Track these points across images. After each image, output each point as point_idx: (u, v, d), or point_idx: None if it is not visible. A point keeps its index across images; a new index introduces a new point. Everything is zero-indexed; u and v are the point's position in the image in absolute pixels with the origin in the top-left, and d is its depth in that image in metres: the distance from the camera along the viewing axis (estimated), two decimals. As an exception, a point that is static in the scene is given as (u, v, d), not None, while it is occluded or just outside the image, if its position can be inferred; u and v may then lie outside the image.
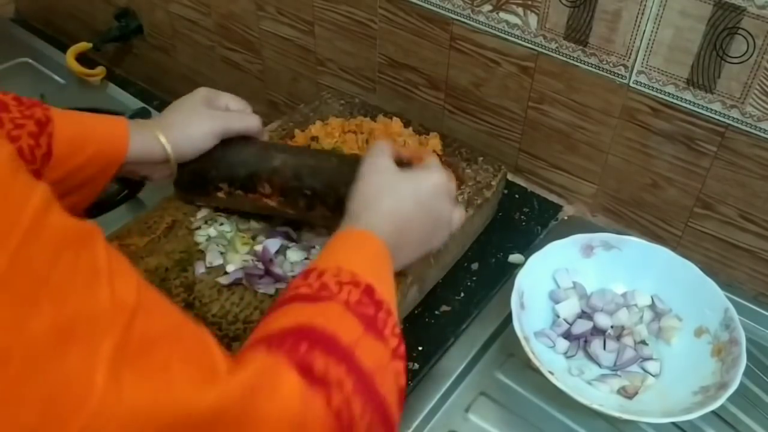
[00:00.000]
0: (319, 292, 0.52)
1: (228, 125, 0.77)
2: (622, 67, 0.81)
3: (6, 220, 0.31)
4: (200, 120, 0.76)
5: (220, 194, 0.79)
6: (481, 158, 0.91)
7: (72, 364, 0.32)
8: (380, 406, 0.49)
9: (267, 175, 0.76)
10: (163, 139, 0.73)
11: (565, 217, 0.95)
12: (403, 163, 0.67)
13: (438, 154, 0.90)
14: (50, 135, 0.67)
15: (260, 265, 0.77)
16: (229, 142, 0.78)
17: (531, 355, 0.69)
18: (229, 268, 0.77)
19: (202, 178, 0.78)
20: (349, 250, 0.58)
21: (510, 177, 0.97)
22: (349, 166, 0.68)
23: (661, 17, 0.75)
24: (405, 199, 0.62)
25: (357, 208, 0.61)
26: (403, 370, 0.53)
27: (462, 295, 0.83)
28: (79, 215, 0.67)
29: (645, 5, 0.75)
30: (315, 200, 0.75)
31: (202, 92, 0.79)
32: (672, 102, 0.79)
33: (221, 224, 0.82)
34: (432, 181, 0.64)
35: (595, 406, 0.66)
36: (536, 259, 0.78)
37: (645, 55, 0.78)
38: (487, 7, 0.87)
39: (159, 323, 0.38)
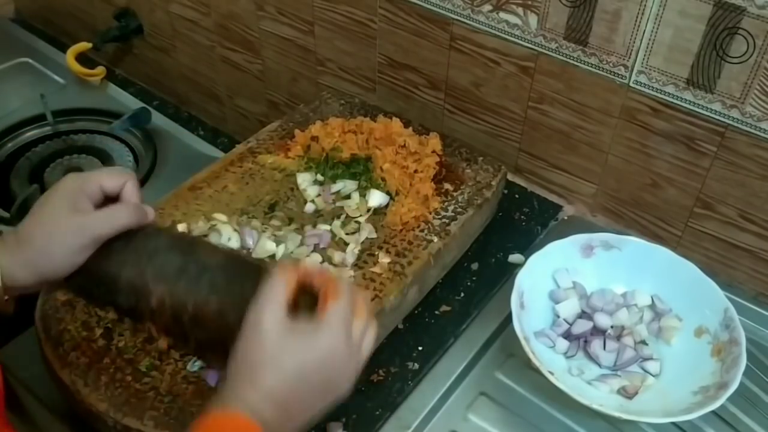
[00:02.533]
0: None
1: (97, 233, 0.61)
2: (622, 67, 0.81)
3: None
4: (63, 236, 0.60)
5: (110, 314, 0.73)
6: (481, 158, 0.91)
7: None
8: None
9: (147, 315, 0.63)
10: (19, 266, 0.60)
11: (565, 217, 0.95)
12: (304, 301, 0.57)
13: (438, 154, 0.90)
14: None
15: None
16: (108, 248, 0.62)
17: (531, 355, 0.69)
18: None
19: (88, 295, 0.68)
20: None
21: (510, 177, 0.97)
22: (238, 306, 0.57)
23: (661, 17, 0.75)
24: (288, 374, 0.53)
25: (236, 378, 0.54)
26: None
27: (462, 295, 0.83)
28: None
29: (645, 5, 0.75)
30: (201, 349, 0.66)
31: (67, 188, 0.62)
32: (672, 102, 0.79)
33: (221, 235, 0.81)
34: (322, 347, 0.54)
35: (595, 406, 0.66)
36: (536, 259, 0.78)
37: (645, 55, 0.78)
38: (487, 7, 0.87)
39: None
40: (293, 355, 0.54)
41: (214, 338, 0.60)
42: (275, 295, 0.55)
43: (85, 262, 0.61)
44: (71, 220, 0.60)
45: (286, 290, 0.55)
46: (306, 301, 0.56)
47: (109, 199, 0.63)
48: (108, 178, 0.64)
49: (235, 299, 0.58)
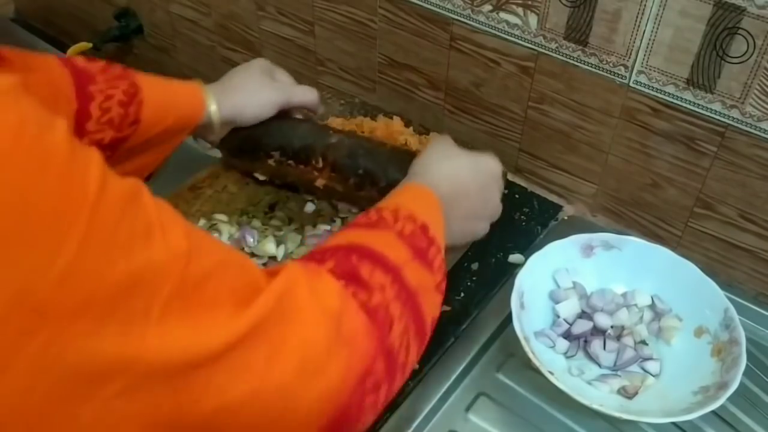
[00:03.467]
0: (377, 222, 0.57)
1: (290, 97, 0.81)
2: (622, 67, 0.81)
3: (75, 195, 0.34)
4: (264, 89, 0.80)
5: (270, 161, 0.81)
6: (481, 158, 0.90)
7: (131, 320, 0.37)
8: (419, 319, 0.53)
9: (322, 149, 0.78)
10: (226, 108, 0.76)
11: (565, 217, 0.95)
12: None
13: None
14: (140, 103, 0.70)
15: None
16: (286, 117, 0.82)
17: (531, 355, 0.69)
18: None
19: (255, 143, 0.81)
20: (408, 196, 0.63)
21: (510, 177, 0.97)
22: (402, 155, 0.74)
23: (661, 17, 0.75)
24: (462, 168, 0.67)
25: (418, 169, 0.67)
26: (440, 305, 0.58)
27: (462, 295, 0.83)
28: (145, 175, 0.75)
29: (645, 5, 0.75)
30: (366, 180, 0.78)
31: (262, 63, 0.82)
32: (672, 102, 0.79)
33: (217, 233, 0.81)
34: (489, 164, 0.69)
35: (595, 406, 0.66)
36: (536, 259, 0.78)
37: (645, 55, 0.78)
38: (487, 7, 0.88)
39: (207, 261, 0.42)
40: (468, 158, 0.68)
41: (383, 168, 0.76)
42: (447, 137, 0.72)
43: (266, 120, 0.79)
44: (271, 82, 0.80)
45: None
46: None
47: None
48: (288, 78, 0.85)
49: (402, 155, 0.76)
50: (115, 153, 0.69)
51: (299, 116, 0.86)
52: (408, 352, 0.53)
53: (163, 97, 0.72)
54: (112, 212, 0.36)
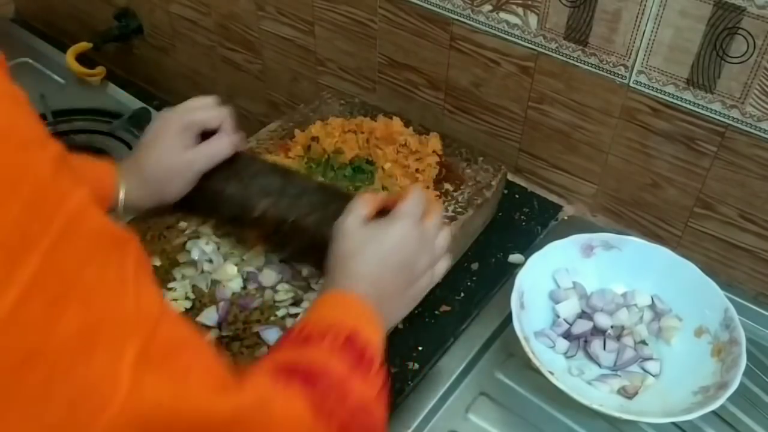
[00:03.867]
0: (305, 342, 0.53)
1: (206, 165, 0.74)
2: (622, 67, 0.81)
3: (41, 220, 0.31)
4: (179, 165, 0.73)
5: (211, 224, 0.81)
6: (481, 158, 0.91)
7: (98, 366, 0.33)
8: None
9: (249, 222, 0.74)
10: (144, 193, 0.72)
11: (565, 217, 0.95)
12: (387, 211, 0.65)
13: (438, 154, 0.90)
14: None
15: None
16: (213, 169, 0.74)
17: (531, 355, 0.69)
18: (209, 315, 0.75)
19: (191, 209, 0.78)
20: (328, 306, 0.59)
21: (510, 177, 0.97)
22: (333, 217, 0.65)
23: (661, 17, 0.75)
24: (374, 253, 0.61)
25: (333, 271, 0.62)
26: (385, 409, 0.55)
27: (462, 295, 0.83)
28: None
29: (645, 5, 0.75)
30: (298, 255, 0.76)
31: (176, 125, 0.74)
32: (672, 102, 0.79)
33: (206, 243, 0.81)
34: (396, 233, 0.62)
35: (595, 406, 0.66)
36: (536, 259, 0.78)
37: (645, 55, 0.78)
38: (487, 7, 0.87)
39: (180, 332, 0.40)
40: (372, 242, 0.62)
41: (310, 247, 0.71)
42: (358, 207, 0.64)
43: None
44: (183, 157, 0.73)
45: (367, 206, 0.65)
46: (384, 215, 0.65)
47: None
48: (210, 118, 0.75)
49: (330, 215, 0.67)
50: None
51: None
52: None
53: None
54: (80, 252, 0.33)
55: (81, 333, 0.33)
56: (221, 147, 0.75)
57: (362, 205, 0.65)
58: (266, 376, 0.48)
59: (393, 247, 0.62)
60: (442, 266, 0.67)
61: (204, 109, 0.76)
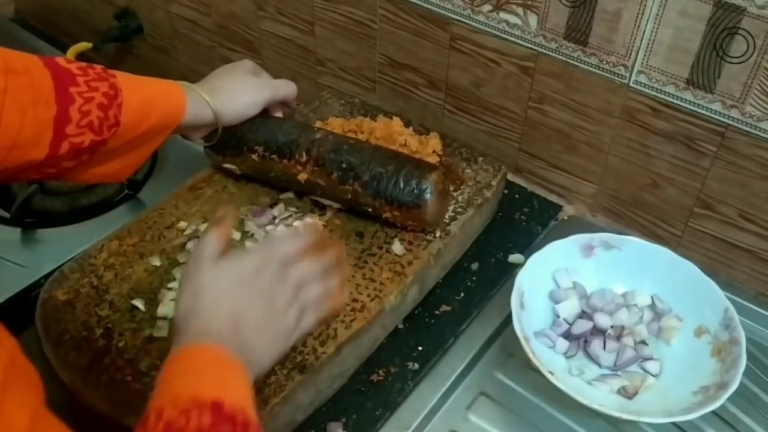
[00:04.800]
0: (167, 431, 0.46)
1: (274, 94, 0.83)
2: (622, 67, 0.81)
3: None
4: (248, 88, 0.82)
5: (254, 156, 0.83)
6: (481, 158, 0.91)
7: None
8: None
9: (307, 144, 0.80)
10: (213, 106, 0.77)
11: (565, 217, 0.95)
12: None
13: (438, 154, 0.90)
14: (120, 106, 0.69)
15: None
16: (267, 115, 0.85)
17: (531, 355, 0.69)
18: None
19: (239, 139, 0.83)
20: (180, 374, 0.51)
21: (510, 177, 0.97)
22: (384, 151, 0.76)
23: (661, 17, 0.75)
24: (225, 289, 0.55)
25: (181, 319, 0.55)
26: None
27: (462, 295, 0.83)
28: (129, 175, 0.75)
29: (645, 5, 0.75)
30: (348, 174, 0.79)
31: (247, 64, 0.84)
32: (672, 102, 0.79)
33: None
34: (248, 263, 0.57)
35: (595, 406, 0.66)
36: (536, 259, 0.78)
37: (645, 55, 0.78)
38: (487, 7, 0.87)
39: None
40: (226, 273, 0.56)
41: (367, 162, 0.78)
42: (208, 239, 0.58)
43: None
44: (255, 80, 0.83)
45: (219, 239, 0.58)
46: None
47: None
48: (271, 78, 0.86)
49: (388, 152, 0.81)
50: (94, 155, 0.69)
51: (280, 115, 0.88)
52: None
53: (143, 99, 0.71)
54: None
55: None
56: (291, 85, 0.86)
57: (213, 239, 0.58)
58: None
59: (248, 275, 0.56)
60: (309, 322, 0.59)
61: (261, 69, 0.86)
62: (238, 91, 0.81)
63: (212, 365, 0.51)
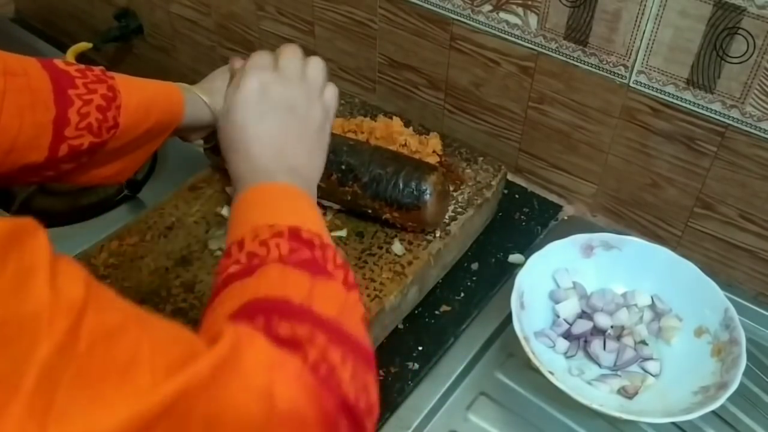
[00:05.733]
0: (250, 262, 0.49)
1: None
2: (622, 67, 0.81)
3: None
4: None
5: None
6: (481, 158, 0.91)
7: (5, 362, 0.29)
8: (357, 347, 0.47)
9: None
10: (211, 106, 0.76)
11: (565, 217, 0.95)
12: None
13: (438, 154, 0.90)
14: (118, 108, 0.69)
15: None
16: None
17: (531, 355, 0.69)
18: None
19: None
20: (252, 208, 0.55)
21: (510, 177, 0.97)
22: (384, 152, 0.75)
23: (661, 17, 0.75)
24: (242, 118, 0.61)
25: (233, 169, 0.61)
26: (359, 298, 0.51)
27: (462, 295, 0.83)
28: (128, 176, 0.74)
29: (645, 5, 0.75)
30: (348, 175, 0.78)
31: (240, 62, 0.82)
32: (672, 102, 0.79)
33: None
34: (248, 84, 0.62)
35: (595, 406, 0.66)
36: (536, 259, 0.78)
37: (645, 55, 0.78)
38: (487, 7, 0.87)
39: (116, 317, 0.35)
40: (237, 105, 0.61)
41: (366, 164, 0.78)
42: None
43: None
44: None
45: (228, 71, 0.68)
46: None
47: None
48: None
49: (386, 153, 0.80)
50: (93, 157, 0.69)
51: None
52: (367, 393, 0.46)
53: (141, 100, 0.71)
54: None
55: None
56: None
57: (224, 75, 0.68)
58: (224, 325, 0.43)
59: (256, 94, 0.62)
60: (330, 92, 0.68)
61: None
62: None
63: (280, 197, 0.55)
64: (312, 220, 0.53)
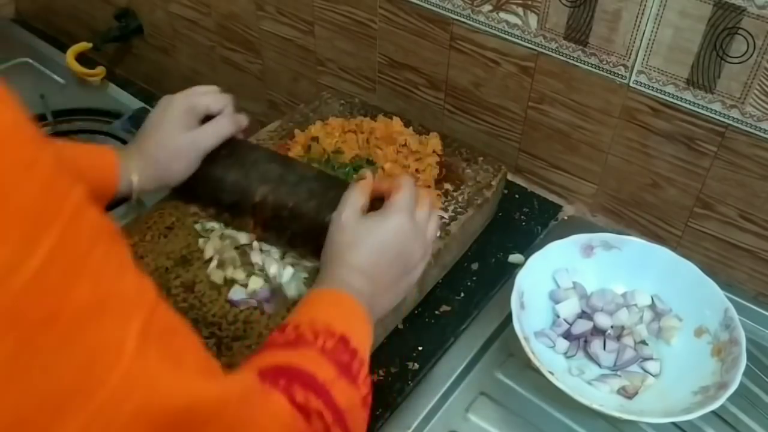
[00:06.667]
0: (296, 340, 0.54)
1: (209, 145, 0.78)
2: (622, 67, 0.81)
3: (55, 203, 0.34)
4: (182, 146, 0.76)
5: (211, 210, 0.81)
6: (481, 158, 0.91)
7: (107, 332, 0.36)
8: None
9: (249, 209, 0.76)
10: (148, 175, 0.75)
11: (565, 217, 0.95)
12: (380, 199, 0.68)
13: (438, 154, 0.90)
14: None
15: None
16: (216, 151, 0.78)
17: (531, 355, 0.69)
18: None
19: (193, 195, 0.81)
20: (322, 306, 0.59)
21: (510, 177, 0.97)
22: (330, 205, 0.67)
23: (661, 17, 0.75)
24: (371, 244, 0.63)
25: (329, 262, 0.64)
26: (367, 420, 0.56)
27: (462, 295, 0.83)
28: None
29: (645, 5, 0.75)
30: (295, 241, 0.76)
31: (181, 106, 0.78)
32: (672, 102, 0.79)
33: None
34: (394, 225, 0.64)
35: (595, 406, 0.66)
36: (536, 259, 0.78)
37: (645, 55, 0.78)
38: (487, 7, 0.87)
39: (173, 318, 0.41)
40: (369, 235, 0.64)
41: (308, 233, 0.72)
42: (354, 198, 0.66)
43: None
44: (186, 137, 0.76)
45: (363, 196, 0.67)
46: (379, 205, 0.67)
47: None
48: (213, 102, 0.79)
49: (328, 202, 0.69)
50: None
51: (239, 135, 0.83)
52: None
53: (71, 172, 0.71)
54: (86, 236, 0.36)
55: (91, 302, 0.35)
56: (225, 125, 0.79)
57: (358, 197, 0.67)
58: (253, 372, 0.49)
59: (389, 240, 0.64)
60: (429, 253, 0.70)
61: (207, 95, 0.80)
62: (174, 152, 0.76)
63: (350, 311, 0.59)
64: (363, 341, 0.57)
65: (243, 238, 0.79)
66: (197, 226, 0.81)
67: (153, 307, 0.39)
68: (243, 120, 0.82)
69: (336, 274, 0.62)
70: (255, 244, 0.78)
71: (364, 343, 0.57)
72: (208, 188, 0.79)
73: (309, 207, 0.73)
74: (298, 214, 0.74)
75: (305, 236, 0.74)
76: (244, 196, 0.76)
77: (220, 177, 0.78)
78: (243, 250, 0.78)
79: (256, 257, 0.77)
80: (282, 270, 0.75)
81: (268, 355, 0.54)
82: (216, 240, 0.79)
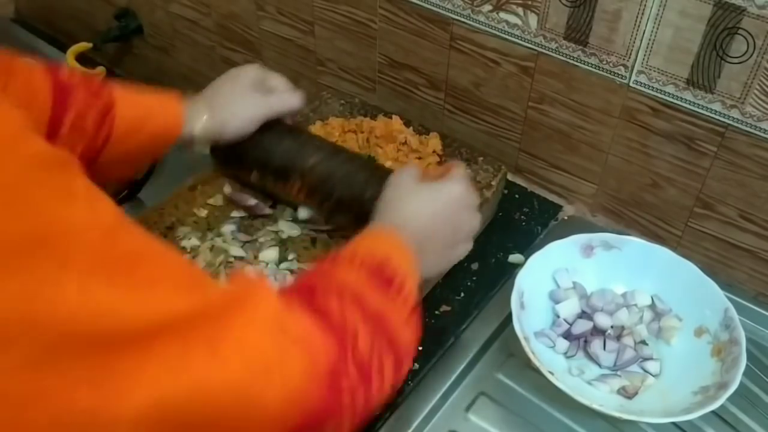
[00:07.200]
0: (335, 260, 0.56)
1: (272, 111, 0.81)
2: (622, 67, 0.81)
3: None
4: (247, 106, 0.79)
5: (253, 175, 0.83)
6: (481, 158, 0.91)
7: (43, 273, 0.34)
8: (391, 340, 0.53)
9: (300, 171, 0.79)
10: (210, 124, 0.77)
11: (565, 217, 0.95)
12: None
13: (438, 154, 0.90)
14: (113, 119, 0.70)
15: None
16: (270, 125, 0.81)
17: (531, 355, 0.69)
18: None
19: (239, 157, 0.83)
20: (369, 240, 0.61)
21: (510, 177, 0.97)
22: (379, 181, 0.71)
23: (661, 17, 0.75)
24: (425, 203, 0.65)
25: (381, 210, 0.66)
26: (414, 338, 0.58)
27: (462, 295, 0.83)
28: (128, 184, 0.77)
29: (645, 5, 0.75)
30: (338, 207, 0.78)
31: (251, 74, 0.82)
32: (672, 102, 0.79)
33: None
34: (453, 191, 0.66)
35: (595, 406, 0.66)
36: (536, 259, 0.78)
37: (645, 55, 0.78)
38: (487, 7, 0.87)
39: (139, 243, 0.40)
40: (426, 194, 0.66)
41: (353, 202, 0.76)
42: (412, 167, 0.70)
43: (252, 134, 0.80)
44: (255, 98, 0.80)
45: (419, 170, 0.69)
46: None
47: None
48: (280, 81, 0.83)
49: (377, 179, 0.72)
50: (90, 166, 0.70)
51: (288, 120, 0.86)
52: (382, 367, 0.52)
53: (136, 112, 0.72)
54: (18, 168, 0.34)
55: (27, 239, 0.34)
56: (291, 100, 0.82)
57: (416, 168, 0.69)
58: (266, 288, 0.48)
59: (446, 203, 0.66)
60: (469, 245, 0.70)
61: (275, 74, 0.84)
62: (236, 109, 0.79)
63: (394, 242, 0.60)
64: (406, 266, 0.59)
65: (235, 250, 0.79)
66: (184, 243, 0.80)
67: (106, 234, 0.37)
68: (301, 102, 0.84)
69: (388, 218, 0.64)
70: (250, 256, 0.79)
71: (404, 267, 0.58)
72: (259, 150, 0.81)
73: (358, 179, 0.77)
74: (350, 179, 0.77)
75: (347, 205, 0.77)
76: (294, 162, 0.79)
77: (275, 141, 0.81)
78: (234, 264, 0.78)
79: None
80: (283, 280, 0.76)
81: (305, 275, 0.55)
82: (207, 253, 0.79)
